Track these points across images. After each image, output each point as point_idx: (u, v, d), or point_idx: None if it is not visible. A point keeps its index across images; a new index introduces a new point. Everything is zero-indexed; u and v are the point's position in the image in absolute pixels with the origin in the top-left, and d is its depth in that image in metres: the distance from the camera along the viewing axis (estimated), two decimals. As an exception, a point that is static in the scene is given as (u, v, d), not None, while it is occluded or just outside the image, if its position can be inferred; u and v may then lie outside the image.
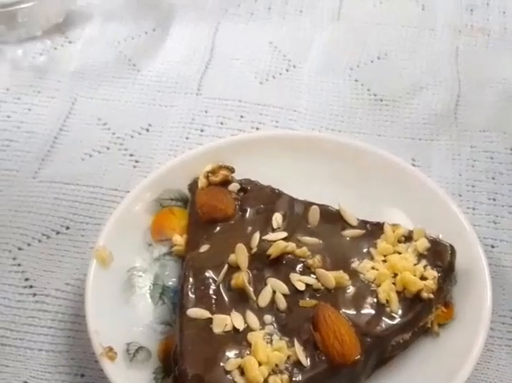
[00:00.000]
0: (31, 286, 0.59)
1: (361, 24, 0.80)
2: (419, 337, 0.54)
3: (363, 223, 0.57)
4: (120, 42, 0.78)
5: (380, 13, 0.82)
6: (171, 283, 0.57)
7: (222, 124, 0.71)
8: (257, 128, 0.70)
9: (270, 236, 0.55)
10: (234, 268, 0.54)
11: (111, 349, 0.51)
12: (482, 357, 0.54)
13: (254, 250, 0.55)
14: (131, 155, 0.68)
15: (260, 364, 0.48)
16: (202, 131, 0.70)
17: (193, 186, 0.60)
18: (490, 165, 0.67)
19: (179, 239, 0.59)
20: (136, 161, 0.68)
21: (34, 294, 0.58)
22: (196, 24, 0.81)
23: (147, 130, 0.70)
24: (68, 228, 0.62)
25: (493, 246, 0.62)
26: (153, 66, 0.76)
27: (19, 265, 0.60)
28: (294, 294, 0.53)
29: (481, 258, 0.56)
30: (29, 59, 0.76)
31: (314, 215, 0.57)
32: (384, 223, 0.56)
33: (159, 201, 0.61)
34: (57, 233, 0.62)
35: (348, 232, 0.57)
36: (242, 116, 0.71)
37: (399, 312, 0.52)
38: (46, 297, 0.58)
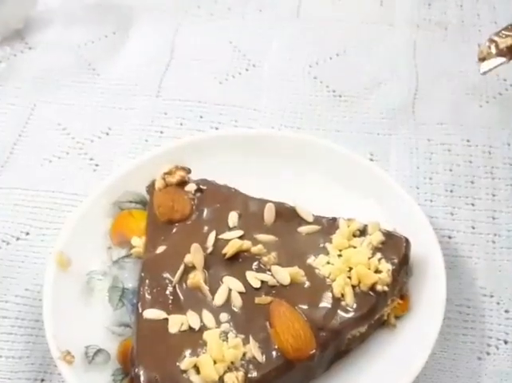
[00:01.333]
0: (-10, 293, 0.59)
1: (320, 21, 0.81)
2: (375, 330, 0.55)
3: (318, 219, 0.58)
4: (80, 46, 0.79)
5: (339, 9, 0.83)
6: (130, 285, 0.58)
7: (181, 125, 0.71)
8: (217, 128, 0.71)
9: (226, 235, 0.56)
10: (191, 268, 0.54)
11: (68, 352, 0.52)
12: (439, 347, 0.55)
13: (210, 249, 0.55)
14: (91, 159, 0.68)
15: (215, 362, 0.49)
16: (161, 132, 0.70)
17: (151, 188, 0.61)
18: (447, 157, 0.68)
19: (138, 241, 0.59)
20: (96, 165, 0.68)
21: (-6, 301, 0.58)
22: (156, 26, 0.81)
23: (107, 134, 0.70)
24: (28, 234, 0.63)
25: (450, 237, 0.62)
26: (113, 69, 0.76)
27: (-21, 272, 0.60)
28: (250, 292, 0.53)
29: (436, 249, 0.57)
30: (-12, 66, 0.76)
31: (270, 213, 0.58)
32: (339, 219, 0.57)
33: (117, 204, 0.61)
34: (17, 239, 0.62)
35: (304, 228, 0.57)
36: (201, 117, 0.72)
37: (354, 305, 0.52)
38: (6, 303, 0.58)
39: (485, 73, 0.64)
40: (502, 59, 0.63)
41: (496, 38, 0.63)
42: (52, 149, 0.69)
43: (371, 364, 0.53)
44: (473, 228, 0.63)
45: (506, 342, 0.56)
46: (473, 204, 0.65)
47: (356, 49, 0.78)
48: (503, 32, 0.64)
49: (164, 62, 0.77)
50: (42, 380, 0.54)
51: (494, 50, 0.63)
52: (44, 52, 0.78)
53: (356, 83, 0.75)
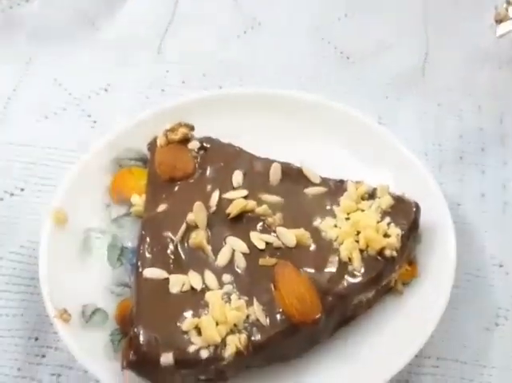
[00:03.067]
0: (-16, 249, 0.57)
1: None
2: (382, 296, 0.53)
3: (326, 181, 0.56)
4: (80, 0, 0.76)
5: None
6: (129, 244, 0.56)
7: (183, 83, 0.69)
8: (220, 87, 0.68)
9: (230, 194, 0.54)
10: (193, 227, 0.52)
11: (65, 311, 0.50)
12: (447, 315, 0.53)
13: (213, 208, 0.53)
14: (88, 115, 0.66)
15: (218, 323, 0.47)
16: (163, 90, 0.68)
17: (152, 145, 0.58)
18: (456, 123, 0.66)
19: (138, 199, 0.57)
20: (94, 121, 0.66)
21: (-12, 257, 0.57)
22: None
23: (106, 90, 0.68)
24: (22, 190, 0.60)
25: (459, 204, 0.61)
26: (113, 25, 0.74)
27: (-28, 228, 0.58)
28: (254, 253, 0.51)
29: (446, 215, 0.55)
30: (-15, 19, 0.74)
31: (275, 173, 0.56)
32: (347, 181, 0.55)
33: (117, 161, 0.59)
34: (11, 195, 0.60)
35: (311, 190, 0.55)
36: (204, 75, 0.69)
37: (362, 270, 0.51)
38: (1, 260, 0.56)
39: (501, 35, 0.62)
40: (520, 21, 0.61)
41: (514, -1, 0.61)
42: (48, 105, 0.67)
43: (377, 331, 0.52)
44: (482, 196, 0.61)
45: (515, 312, 0.55)
46: (483, 171, 0.63)
47: (365, 11, 0.75)
48: (521, -7, 0.62)
49: (166, 19, 0.74)
50: (36, 338, 0.53)
51: (511, 13, 0.61)
52: (41, 5, 0.75)
53: (365, 45, 0.72)
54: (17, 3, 0.76)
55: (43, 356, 0.52)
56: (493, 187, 0.62)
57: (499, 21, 0.61)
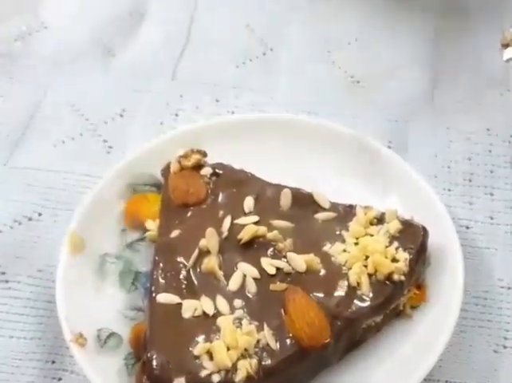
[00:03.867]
0: (3, 273, 0.58)
1: (340, 5, 0.80)
2: (391, 320, 0.54)
3: (335, 206, 0.57)
4: (96, 28, 0.77)
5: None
6: (143, 269, 0.57)
7: (197, 108, 0.70)
8: (233, 112, 0.70)
9: (242, 220, 0.55)
10: (205, 253, 0.53)
11: (81, 335, 0.51)
12: (455, 339, 0.54)
13: (225, 234, 0.54)
14: (104, 141, 0.68)
15: (229, 348, 0.48)
16: (176, 115, 0.70)
17: (166, 171, 0.60)
18: (466, 146, 0.67)
19: (152, 225, 0.58)
20: (110, 147, 0.67)
21: (6, 281, 0.58)
22: (173, 8, 0.80)
23: (121, 115, 0.70)
24: (40, 215, 0.62)
25: (468, 227, 0.61)
26: (128, 51, 0.75)
27: (-10, 252, 0.60)
28: (265, 278, 0.52)
29: (454, 239, 0.56)
30: (4, 45, 0.75)
31: (286, 199, 0.57)
32: (356, 206, 0.56)
33: (132, 186, 0.61)
34: (29, 219, 0.61)
35: (321, 215, 0.56)
36: (217, 100, 0.71)
37: (370, 294, 0.52)
38: (18, 284, 0.58)
39: (508, 60, 0.62)
40: (526, 46, 0.62)
41: (520, 25, 0.62)
42: (65, 130, 0.68)
43: (386, 354, 0.53)
44: (491, 218, 0.62)
45: (523, 335, 0.56)
46: (492, 194, 0.64)
47: (375, 35, 0.76)
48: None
49: (180, 44, 0.76)
50: (53, 361, 0.54)
51: (518, 37, 0.62)
52: (59, 32, 0.77)
53: (375, 69, 0.73)
54: (36, 30, 0.78)
55: (59, 379, 0.53)
56: (502, 209, 0.63)
57: (506, 45, 0.62)
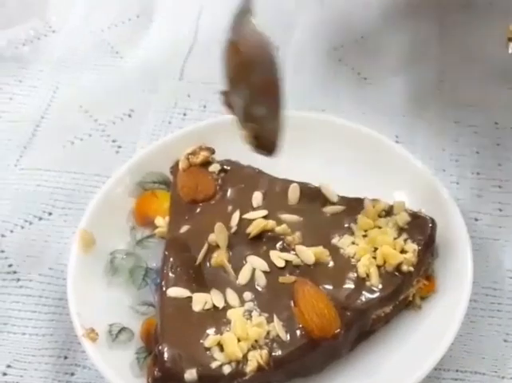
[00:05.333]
0: (15, 272, 0.59)
1: (346, 3, 0.80)
2: (400, 311, 0.54)
3: (343, 199, 0.57)
4: (104, 30, 0.78)
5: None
6: (153, 265, 0.57)
7: (204, 107, 0.71)
8: (240, 110, 0.70)
9: (250, 215, 0.56)
10: (215, 247, 0.54)
11: (92, 330, 0.51)
12: (465, 329, 0.54)
13: (234, 228, 0.55)
14: (113, 141, 0.68)
15: (239, 340, 0.48)
16: (184, 115, 0.70)
17: (174, 168, 0.60)
18: (474, 139, 0.67)
19: (162, 221, 0.59)
20: (119, 147, 0.68)
21: (18, 279, 0.58)
22: (179, 8, 0.80)
23: (130, 116, 0.70)
24: (50, 214, 0.62)
25: (476, 219, 0.62)
26: (136, 53, 0.76)
27: (2, 251, 0.60)
28: (274, 271, 0.53)
29: (463, 230, 0.56)
30: (12, 49, 0.76)
31: (294, 193, 0.57)
32: (364, 199, 0.56)
33: (141, 184, 0.61)
34: (40, 219, 0.62)
35: (329, 208, 0.56)
36: (224, 99, 0.71)
37: (380, 286, 0.52)
38: (30, 282, 0.58)
39: (514, 53, 0.62)
40: (532, 39, 0.62)
41: (525, 17, 0.62)
42: (74, 131, 0.69)
43: (395, 345, 0.53)
44: (500, 211, 0.62)
45: (532, 325, 0.55)
46: (500, 186, 0.64)
47: (381, 31, 0.77)
48: (533, 11, 0.63)
49: (187, 45, 0.76)
50: (65, 357, 0.54)
51: (523, 30, 0.62)
52: (67, 35, 0.78)
53: (382, 65, 0.74)
54: (44, 34, 0.78)
55: (72, 374, 0.54)
56: (510, 201, 0.63)
57: (511, 38, 0.62)
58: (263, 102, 0.50)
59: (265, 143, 0.51)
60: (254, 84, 0.50)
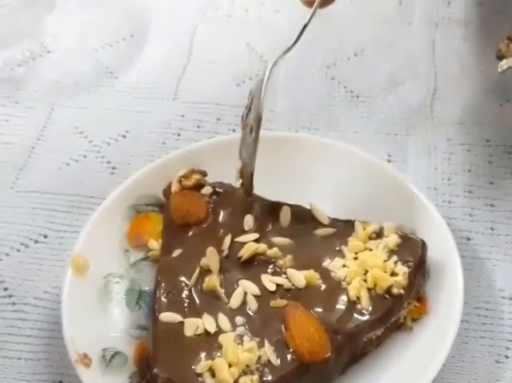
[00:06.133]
0: (10, 296, 0.59)
1: (338, 21, 0.80)
2: (392, 333, 0.54)
3: (334, 222, 0.57)
4: (98, 50, 0.79)
5: (357, 8, 0.82)
6: (147, 288, 0.58)
7: (198, 127, 0.71)
8: (234, 130, 0.71)
9: (242, 238, 0.56)
10: (206, 271, 0.54)
11: (86, 355, 0.52)
12: (457, 350, 0.55)
13: (226, 252, 0.55)
14: (108, 162, 0.69)
15: (230, 365, 0.49)
16: (178, 135, 0.71)
17: (167, 191, 0.61)
18: (466, 158, 0.68)
19: (155, 244, 0.59)
20: (114, 168, 0.68)
21: (13, 303, 0.59)
22: (174, 28, 0.81)
23: (124, 137, 0.71)
24: (46, 237, 0.63)
25: (469, 239, 0.62)
26: (131, 73, 0.77)
27: (-1, 275, 0.61)
28: (265, 295, 0.53)
29: (454, 251, 0.56)
30: (8, 70, 0.77)
31: (286, 216, 0.58)
32: (355, 221, 0.57)
33: (134, 207, 0.62)
34: (36, 242, 0.63)
35: (320, 231, 0.57)
36: (218, 119, 0.72)
37: (370, 308, 0.52)
38: (25, 305, 0.59)
39: (503, 71, 0.63)
40: (522, 58, 0.62)
41: (515, 36, 0.63)
42: (70, 153, 0.69)
43: (387, 367, 0.53)
44: (492, 229, 0.62)
45: (524, 345, 0.56)
46: (492, 205, 0.64)
47: (374, 49, 0.77)
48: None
49: (182, 65, 0.77)
50: (60, 382, 0.55)
51: (512, 49, 0.62)
52: (62, 56, 0.79)
53: (374, 83, 0.74)
54: (40, 55, 0.79)
55: (67, 398, 0.54)
56: (503, 220, 0.63)
57: (501, 57, 0.62)
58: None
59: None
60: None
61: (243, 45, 0.79)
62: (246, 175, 0.57)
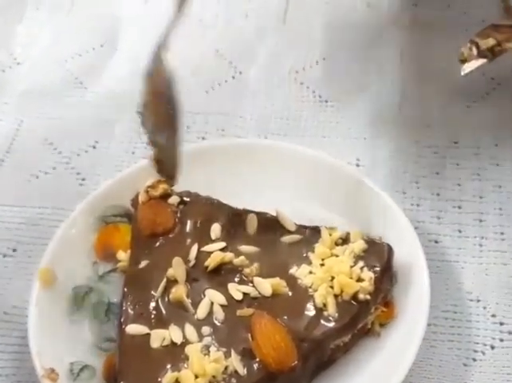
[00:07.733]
0: (-22, 311, 0.59)
1: (307, 26, 0.81)
2: (360, 339, 0.54)
3: (301, 228, 0.57)
4: (68, 60, 0.78)
5: (326, 13, 0.82)
6: (116, 300, 0.58)
7: (167, 136, 0.71)
8: (203, 138, 0.71)
9: (208, 247, 0.56)
10: (173, 282, 0.54)
11: (53, 370, 0.52)
12: (425, 354, 0.55)
13: (192, 262, 0.55)
14: (78, 173, 0.68)
15: (197, 376, 0.49)
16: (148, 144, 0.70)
17: (135, 201, 0.61)
18: (434, 160, 0.68)
19: (124, 255, 0.59)
20: (83, 179, 0.68)
21: (-18, 319, 0.59)
22: (143, 37, 0.80)
23: (94, 147, 0.71)
24: (15, 250, 0.63)
25: (437, 242, 0.62)
26: (100, 82, 0.76)
27: (-34, 290, 0.61)
28: (232, 304, 0.53)
29: (420, 255, 0.56)
30: (-23, 83, 0.77)
31: (252, 223, 0.58)
32: (321, 227, 0.57)
33: (102, 218, 0.61)
34: (4, 256, 0.62)
35: (287, 238, 0.57)
36: (188, 127, 0.71)
37: (336, 315, 0.52)
38: (-6, 320, 0.59)
39: (466, 74, 0.63)
40: (483, 60, 0.63)
41: (477, 39, 0.63)
42: (39, 164, 0.69)
43: (356, 373, 0.53)
44: (459, 231, 0.63)
45: (492, 347, 0.56)
46: (460, 207, 0.64)
47: (342, 53, 0.77)
48: (484, 32, 0.63)
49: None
50: (29, 397, 0.55)
51: (475, 51, 0.63)
52: (32, 67, 0.78)
53: (343, 87, 0.74)
54: (9, 66, 0.79)
55: (36, 414, 0.54)
56: (470, 222, 0.63)
57: (463, 60, 0.63)
58: (164, 131, 0.56)
59: (166, 168, 0.58)
60: (158, 114, 0.56)
61: (212, 51, 0.79)
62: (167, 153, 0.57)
